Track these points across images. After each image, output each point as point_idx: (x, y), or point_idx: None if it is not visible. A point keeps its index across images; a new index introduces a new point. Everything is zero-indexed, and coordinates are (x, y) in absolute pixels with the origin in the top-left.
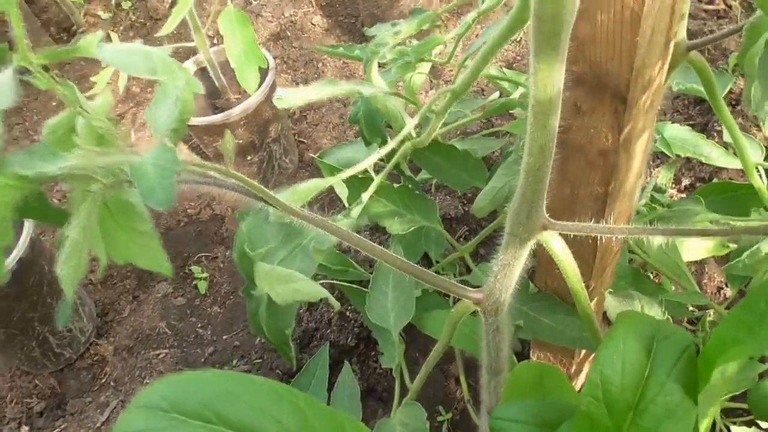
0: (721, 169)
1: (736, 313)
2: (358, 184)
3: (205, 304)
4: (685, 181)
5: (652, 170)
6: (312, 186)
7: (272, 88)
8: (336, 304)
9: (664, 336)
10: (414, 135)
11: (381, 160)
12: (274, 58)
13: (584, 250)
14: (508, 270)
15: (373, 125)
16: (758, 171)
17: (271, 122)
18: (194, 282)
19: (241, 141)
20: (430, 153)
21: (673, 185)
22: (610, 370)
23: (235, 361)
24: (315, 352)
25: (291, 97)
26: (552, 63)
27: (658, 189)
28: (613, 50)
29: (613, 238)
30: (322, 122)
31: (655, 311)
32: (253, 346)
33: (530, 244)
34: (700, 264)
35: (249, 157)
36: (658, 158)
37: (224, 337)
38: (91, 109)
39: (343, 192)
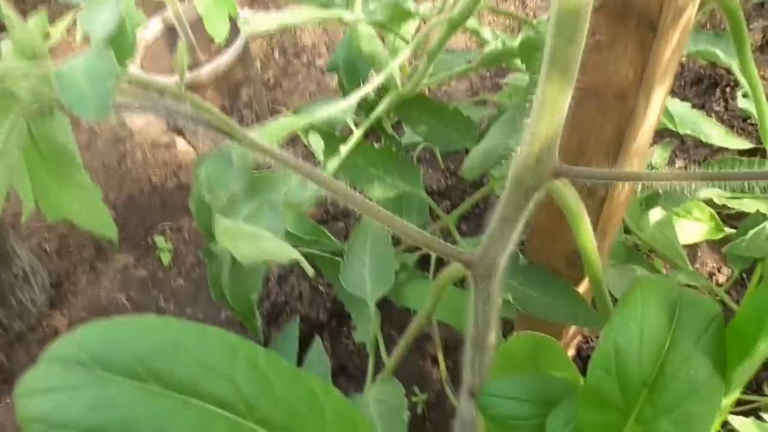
0: (717, 151)
1: None
2: (335, 139)
3: (169, 276)
4: (679, 163)
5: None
6: (284, 124)
7: (245, 49)
8: (309, 270)
9: (688, 303)
10: (399, 86)
11: (361, 115)
12: None
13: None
14: (507, 226)
15: (353, 73)
16: None
17: (242, 86)
18: (157, 253)
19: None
20: (416, 108)
21: (667, 167)
22: (626, 339)
23: None
24: (284, 326)
25: (260, 21)
26: None
27: (652, 168)
28: None
29: (619, 202)
30: (298, 90)
31: None
32: (217, 319)
33: (537, 195)
34: (692, 248)
35: None
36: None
37: (187, 310)
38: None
39: (317, 144)
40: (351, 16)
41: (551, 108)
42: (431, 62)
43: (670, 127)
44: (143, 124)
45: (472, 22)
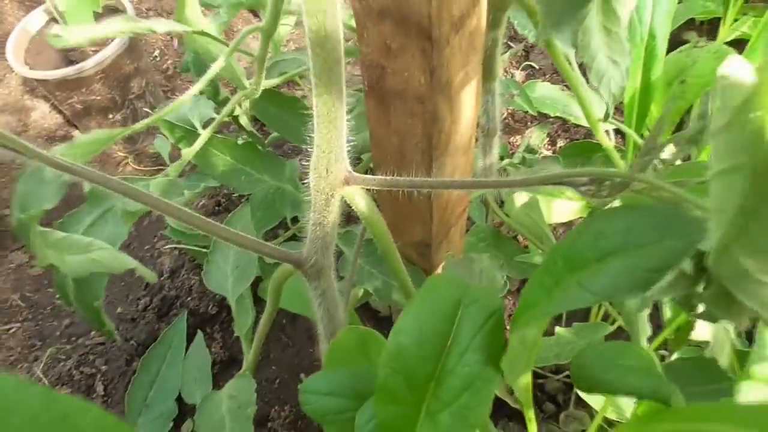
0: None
1: (537, 275)
2: (187, 137)
3: None
4: (561, 143)
5: (526, 130)
6: (98, 137)
7: (132, 40)
8: (150, 275)
9: (471, 300)
10: (246, 85)
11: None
12: (147, 10)
13: (420, 208)
14: (321, 230)
15: (203, 73)
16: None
17: (132, 77)
18: None
19: (99, 97)
20: (266, 103)
21: (549, 146)
22: (408, 338)
23: (93, 333)
24: (174, 321)
25: (71, 34)
26: None
27: (530, 150)
28: None
29: (453, 196)
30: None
31: (497, 275)
32: (112, 315)
33: (336, 201)
34: (568, 226)
35: (110, 116)
36: (535, 119)
37: None
38: None
39: (163, 148)
40: (163, 27)
41: (327, 121)
42: (262, 65)
43: (529, 111)
44: (39, 116)
45: None
